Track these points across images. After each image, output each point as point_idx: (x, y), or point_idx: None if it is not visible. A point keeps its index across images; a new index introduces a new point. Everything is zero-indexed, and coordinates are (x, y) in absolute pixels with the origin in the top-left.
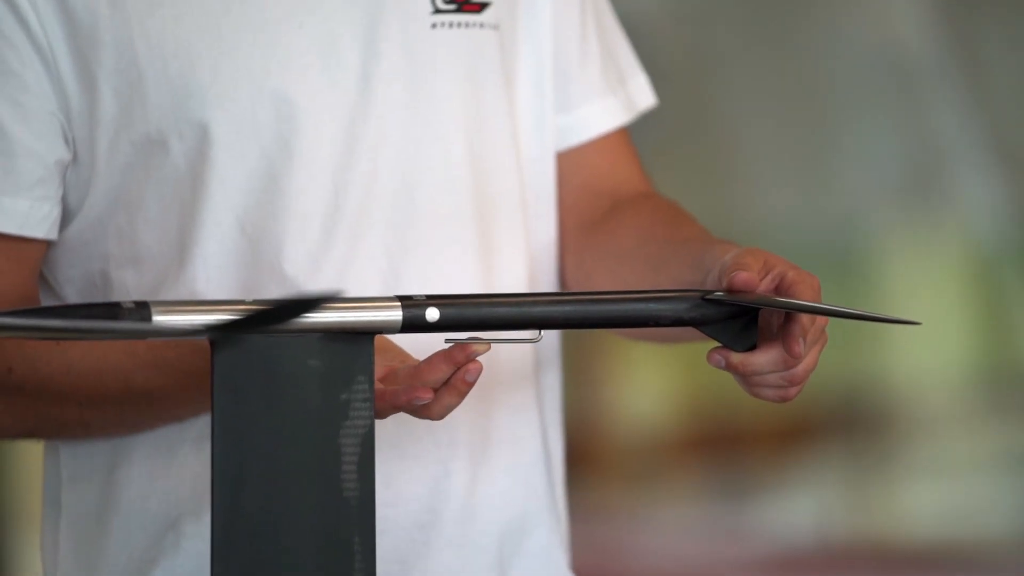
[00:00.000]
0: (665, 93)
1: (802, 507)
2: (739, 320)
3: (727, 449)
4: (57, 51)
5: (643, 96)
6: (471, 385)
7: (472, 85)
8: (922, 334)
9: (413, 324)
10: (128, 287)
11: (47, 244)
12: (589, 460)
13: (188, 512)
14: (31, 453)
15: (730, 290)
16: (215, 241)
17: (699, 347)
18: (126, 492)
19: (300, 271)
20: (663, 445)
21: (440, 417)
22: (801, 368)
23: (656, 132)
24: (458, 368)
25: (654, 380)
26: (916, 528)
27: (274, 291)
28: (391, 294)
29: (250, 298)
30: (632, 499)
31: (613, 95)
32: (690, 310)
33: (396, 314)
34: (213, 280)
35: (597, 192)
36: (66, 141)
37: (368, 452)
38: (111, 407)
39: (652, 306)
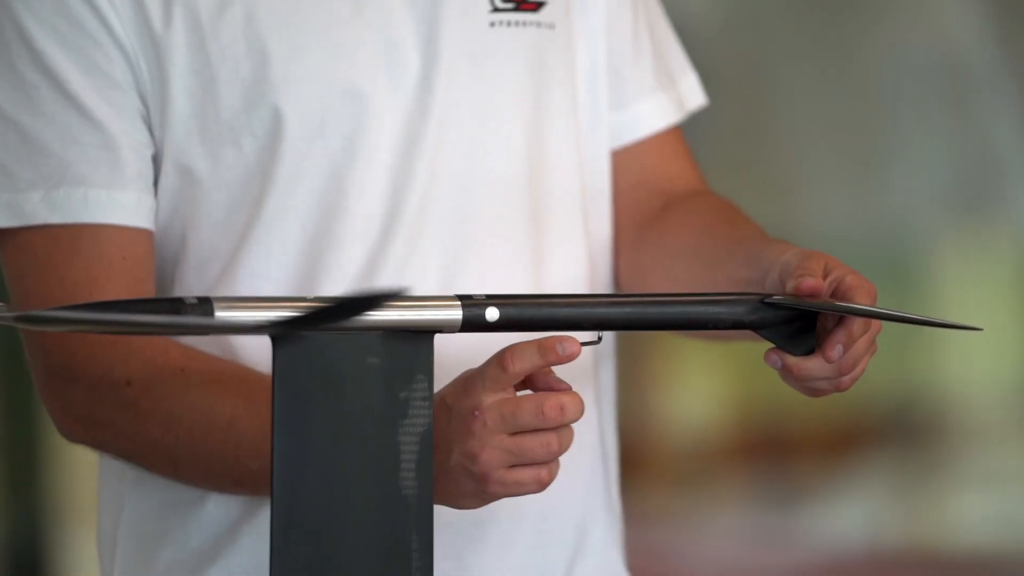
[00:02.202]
0: (717, 99)
1: (852, 514)
2: (797, 323)
3: (777, 455)
4: (137, 50)
5: (694, 95)
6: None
7: (531, 84)
8: (975, 342)
9: (473, 323)
10: (190, 285)
11: (151, 237)
12: (638, 464)
13: (245, 511)
14: (82, 450)
15: (795, 295)
16: (277, 240)
17: (750, 353)
18: (187, 492)
19: (359, 270)
20: (713, 450)
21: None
22: (848, 379)
23: (708, 137)
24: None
25: (705, 385)
26: (966, 537)
27: (332, 289)
28: (448, 293)
29: (311, 295)
30: (681, 503)
31: (665, 93)
32: (749, 313)
33: (456, 313)
34: (273, 278)
35: (651, 190)
36: (152, 137)
37: (426, 451)
38: (208, 449)
39: (712, 309)
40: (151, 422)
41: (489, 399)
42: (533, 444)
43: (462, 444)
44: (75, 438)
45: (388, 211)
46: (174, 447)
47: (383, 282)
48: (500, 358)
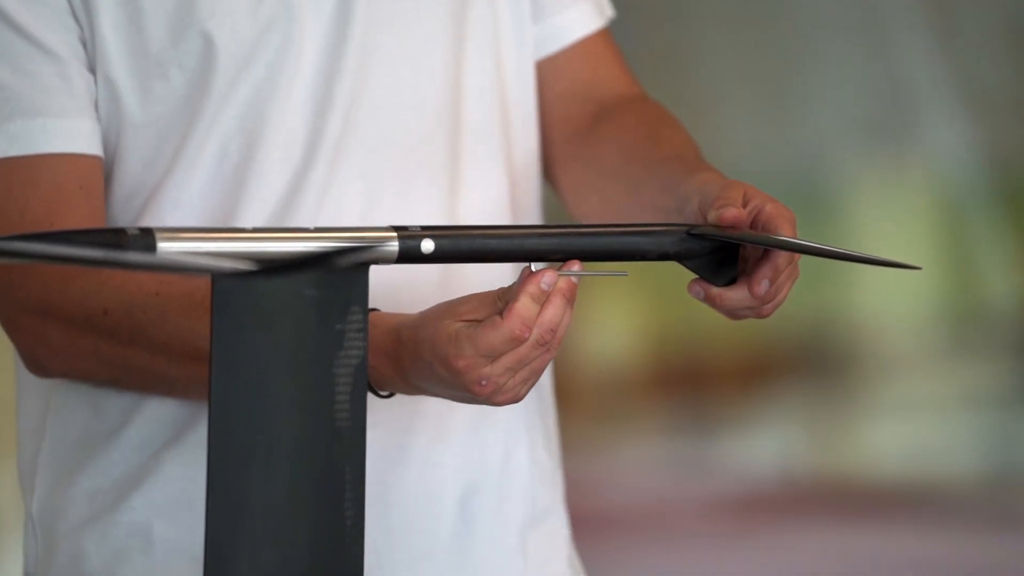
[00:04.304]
0: (633, 28)
1: (766, 444)
2: (720, 254)
3: (692, 386)
4: None
5: (607, 3)
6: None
7: (448, 6)
8: (889, 272)
9: (408, 255)
10: (115, 216)
11: (103, 164)
12: (555, 395)
13: (170, 437)
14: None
15: (719, 226)
16: (200, 170)
17: (666, 284)
18: (108, 421)
19: (280, 197)
20: (629, 382)
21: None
22: (770, 306)
23: None
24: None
25: (620, 317)
26: (879, 466)
27: (254, 217)
28: (367, 219)
29: (249, 226)
30: (597, 435)
31: (585, 1)
32: (675, 244)
33: (392, 245)
34: (196, 208)
35: (582, 98)
36: (91, 63)
37: (360, 382)
38: (199, 369)
39: (638, 240)
40: (135, 349)
41: (488, 368)
42: (538, 365)
43: (472, 398)
44: (53, 371)
45: (309, 138)
46: (166, 370)
47: (303, 209)
48: (514, 335)
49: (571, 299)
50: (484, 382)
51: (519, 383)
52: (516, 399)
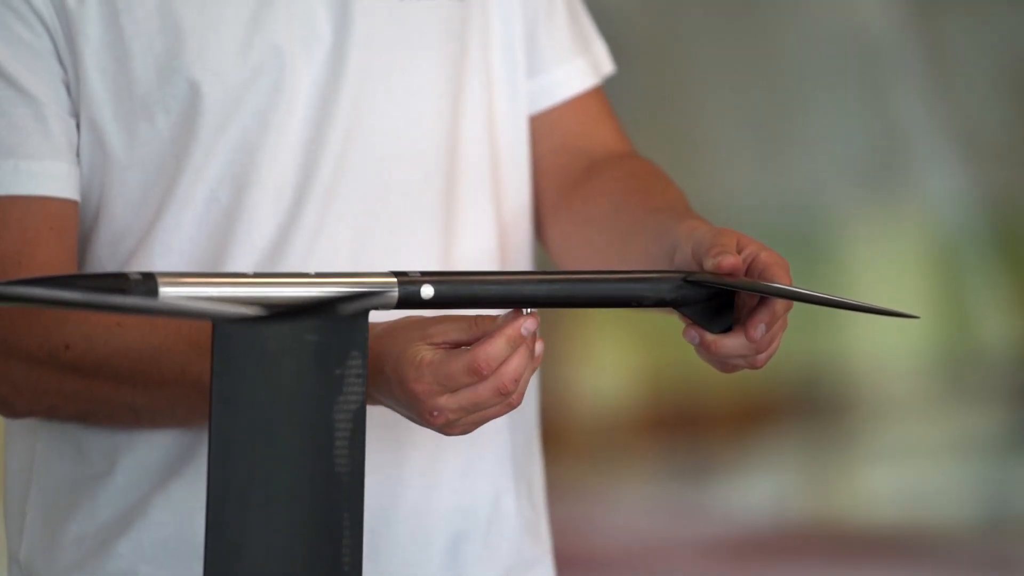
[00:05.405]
0: (629, 73)
1: (761, 488)
2: (716, 301)
3: (688, 429)
4: (55, 23)
5: (605, 61)
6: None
7: (447, 57)
8: (882, 319)
9: (408, 301)
10: (102, 260)
11: (78, 208)
12: (549, 438)
13: (157, 483)
14: None
15: (716, 273)
16: (190, 214)
17: (662, 327)
18: (96, 465)
19: (270, 241)
20: (624, 424)
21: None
22: (763, 356)
23: (620, 111)
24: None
25: (616, 360)
26: (873, 511)
27: (244, 261)
28: (358, 264)
29: (251, 271)
30: (592, 478)
31: (581, 57)
32: (671, 291)
33: (392, 291)
34: (186, 252)
35: (572, 154)
36: (73, 107)
37: (359, 428)
38: (164, 395)
39: (635, 286)
40: (99, 381)
41: (444, 400)
42: (493, 413)
43: (425, 424)
44: (20, 412)
45: (300, 183)
46: (131, 399)
47: (293, 254)
48: (473, 367)
49: (532, 349)
50: (436, 413)
51: (470, 424)
52: (465, 433)
